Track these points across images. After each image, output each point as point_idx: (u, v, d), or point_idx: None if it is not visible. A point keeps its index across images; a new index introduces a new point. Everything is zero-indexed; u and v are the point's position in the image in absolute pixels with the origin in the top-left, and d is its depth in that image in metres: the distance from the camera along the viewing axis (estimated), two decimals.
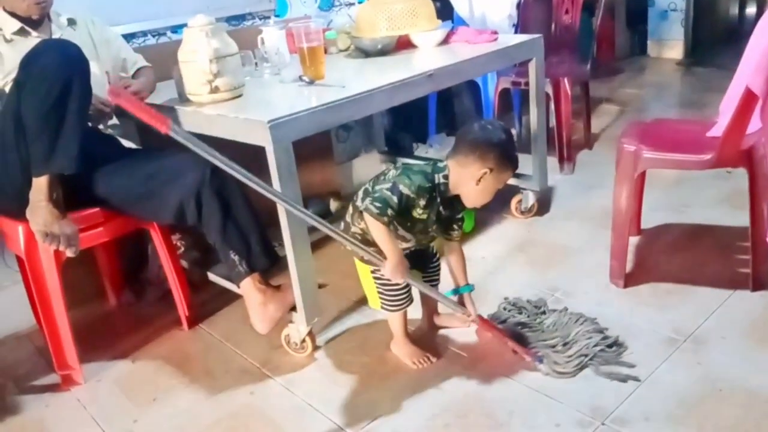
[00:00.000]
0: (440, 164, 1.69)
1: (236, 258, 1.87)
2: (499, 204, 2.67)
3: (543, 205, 2.71)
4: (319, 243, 2.50)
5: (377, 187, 1.61)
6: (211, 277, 2.14)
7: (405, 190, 1.60)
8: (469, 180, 1.65)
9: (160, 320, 2.22)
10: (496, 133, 1.64)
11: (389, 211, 1.58)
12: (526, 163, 2.57)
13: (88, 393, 1.91)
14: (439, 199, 1.67)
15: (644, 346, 1.79)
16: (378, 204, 1.57)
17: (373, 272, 1.74)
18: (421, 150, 3.42)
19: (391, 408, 1.69)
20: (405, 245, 1.74)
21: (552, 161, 2.90)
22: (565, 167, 3.07)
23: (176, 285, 2.11)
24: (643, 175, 2.06)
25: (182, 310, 2.15)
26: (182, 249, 2.35)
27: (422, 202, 1.63)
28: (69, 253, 1.79)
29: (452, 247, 1.83)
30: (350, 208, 1.76)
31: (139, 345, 2.11)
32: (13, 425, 1.82)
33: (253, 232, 1.89)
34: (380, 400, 1.72)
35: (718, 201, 2.58)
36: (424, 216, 1.67)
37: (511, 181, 2.63)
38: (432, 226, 1.72)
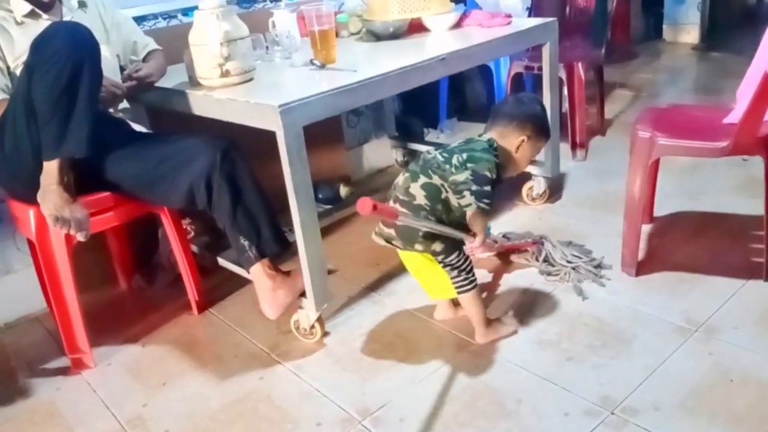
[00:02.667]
0: (487, 139, 1.75)
1: (246, 243, 1.87)
2: (510, 190, 2.66)
3: (554, 191, 2.69)
4: (329, 229, 2.50)
5: (473, 188, 1.64)
6: (221, 262, 2.14)
7: (489, 174, 1.67)
8: (509, 149, 1.76)
9: (170, 305, 2.23)
10: (531, 104, 1.81)
11: (491, 202, 1.67)
12: None
13: (98, 376, 1.93)
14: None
15: (655, 335, 1.78)
16: (487, 201, 1.65)
17: (441, 261, 1.73)
18: (432, 135, 3.39)
19: (399, 395, 1.69)
20: None
21: (564, 147, 2.88)
22: (578, 153, 3.04)
23: (186, 270, 2.12)
24: (657, 162, 2.04)
25: (192, 294, 2.15)
26: (192, 234, 2.36)
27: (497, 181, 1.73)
28: (80, 238, 1.79)
29: None
30: (417, 192, 1.69)
31: (149, 329, 2.12)
32: (24, 407, 1.83)
33: (264, 218, 1.88)
34: (389, 386, 1.72)
35: (732, 189, 2.55)
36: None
37: None
38: None
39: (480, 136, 1.78)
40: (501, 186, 1.77)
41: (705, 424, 1.47)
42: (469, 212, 1.66)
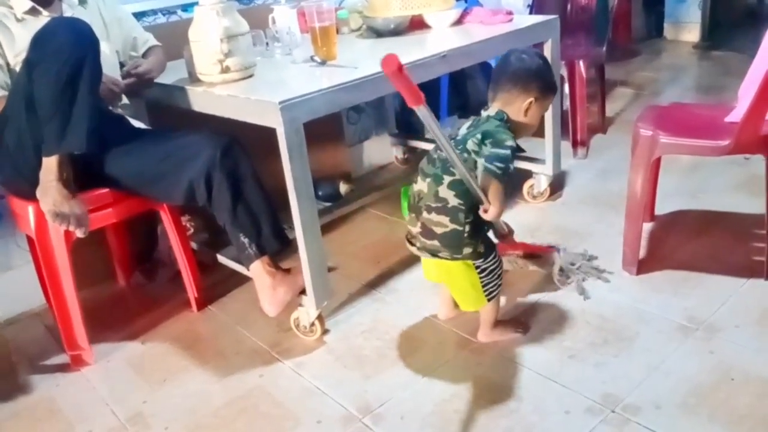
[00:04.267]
0: (493, 112, 1.69)
1: (246, 240, 1.86)
2: (510, 188, 2.65)
3: (555, 189, 2.68)
4: (330, 226, 2.50)
5: (492, 150, 1.58)
6: (221, 259, 2.14)
7: (510, 141, 1.60)
8: (517, 114, 1.68)
9: (169, 302, 2.22)
10: (532, 60, 1.70)
11: (510, 168, 1.58)
12: (538, 146, 2.55)
13: (98, 373, 1.92)
14: None
15: (657, 334, 1.77)
16: (500, 164, 1.56)
17: (477, 267, 1.70)
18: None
19: (400, 392, 1.68)
20: None
21: (565, 145, 2.88)
22: (579, 151, 3.03)
23: (186, 266, 2.11)
24: (658, 160, 2.03)
25: (192, 291, 2.15)
26: (192, 230, 2.35)
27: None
28: (79, 234, 1.79)
29: None
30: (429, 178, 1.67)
31: (149, 326, 2.11)
32: (24, 404, 1.83)
33: (264, 215, 1.87)
34: (389, 384, 1.72)
35: (733, 187, 2.55)
36: None
37: (524, 165, 2.62)
38: None
39: (485, 109, 1.72)
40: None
41: (706, 423, 1.47)
42: (480, 176, 1.58)
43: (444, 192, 1.63)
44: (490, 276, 1.72)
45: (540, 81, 1.68)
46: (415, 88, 1.35)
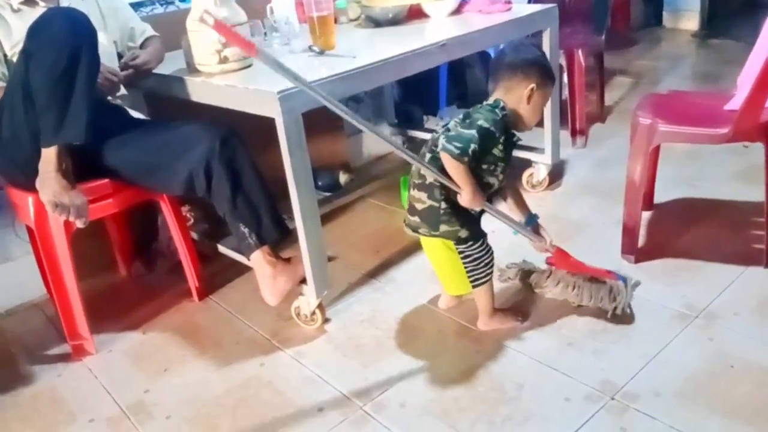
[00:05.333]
0: (492, 101, 1.68)
1: (246, 230, 1.86)
2: (510, 177, 2.64)
3: (554, 178, 2.68)
4: (329, 216, 2.50)
5: (450, 133, 1.59)
6: (221, 249, 2.14)
7: (484, 123, 1.59)
8: (518, 102, 1.67)
9: (170, 291, 2.23)
10: (530, 50, 1.72)
11: (471, 149, 1.56)
12: (538, 136, 2.55)
13: (99, 363, 1.93)
14: (506, 134, 1.67)
15: (655, 322, 1.78)
16: (458, 144, 1.56)
17: (461, 252, 1.72)
18: (431, 122, 3.38)
19: (400, 380, 1.69)
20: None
21: (564, 134, 2.87)
22: (578, 140, 3.03)
23: (186, 257, 2.12)
24: (657, 148, 2.04)
25: (192, 281, 2.15)
26: (192, 221, 2.35)
27: (501, 137, 1.64)
28: (78, 224, 1.79)
29: (507, 185, 1.80)
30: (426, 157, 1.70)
31: (149, 316, 2.12)
32: (26, 394, 1.84)
33: (264, 205, 1.88)
34: (389, 372, 1.73)
35: (732, 176, 2.55)
36: (503, 154, 1.67)
37: (523, 154, 2.62)
38: (508, 166, 1.71)
39: (485, 102, 1.71)
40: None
41: (705, 410, 1.48)
42: (442, 157, 1.59)
43: (425, 170, 1.67)
44: (474, 263, 1.74)
45: (539, 68, 1.67)
46: (240, 37, 1.42)
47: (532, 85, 1.65)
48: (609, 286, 1.82)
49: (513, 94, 1.67)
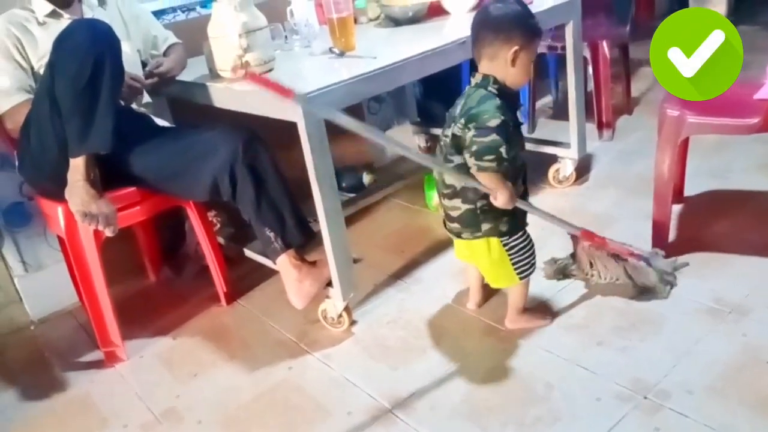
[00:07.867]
0: (479, 79, 1.63)
1: (271, 234, 1.87)
2: (536, 174, 2.62)
3: (581, 173, 2.65)
4: (353, 218, 2.50)
5: (473, 149, 1.54)
6: (248, 253, 2.16)
7: (494, 118, 1.53)
8: (504, 67, 1.60)
9: (198, 296, 2.25)
10: (510, 8, 1.59)
11: (503, 152, 1.53)
12: (563, 130, 2.52)
13: (131, 369, 1.96)
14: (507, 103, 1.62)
15: (686, 317, 1.75)
16: (489, 156, 1.53)
17: (505, 245, 1.69)
18: None
19: (428, 382, 1.69)
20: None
21: (590, 128, 2.83)
22: (604, 134, 2.99)
23: (213, 261, 2.13)
24: (686, 140, 2.00)
25: (220, 285, 2.17)
26: (218, 225, 2.37)
27: (510, 118, 1.58)
28: (108, 233, 1.81)
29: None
30: (442, 149, 1.68)
31: (179, 321, 2.14)
32: (60, 400, 1.87)
33: (287, 208, 1.88)
34: (417, 373, 1.72)
35: (762, 166, 2.49)
36: (517, 135, 1.63)
37: (549, 150, 2.59)
38: (521, 137, 1.67)
39: (472, 76, 1.67)
40: (527, 168, 1.72)
41: (738, 407, 1.44)
42: (482, 176, 1.56)
43: (449, 178, 1.65)
44: (519, 253, 1.71)
45: (521, 27, 1.57)
46: (276, 84, 1.39)
47: (515, 48, 1.57)
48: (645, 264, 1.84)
49: (497, 60, 1.60)
